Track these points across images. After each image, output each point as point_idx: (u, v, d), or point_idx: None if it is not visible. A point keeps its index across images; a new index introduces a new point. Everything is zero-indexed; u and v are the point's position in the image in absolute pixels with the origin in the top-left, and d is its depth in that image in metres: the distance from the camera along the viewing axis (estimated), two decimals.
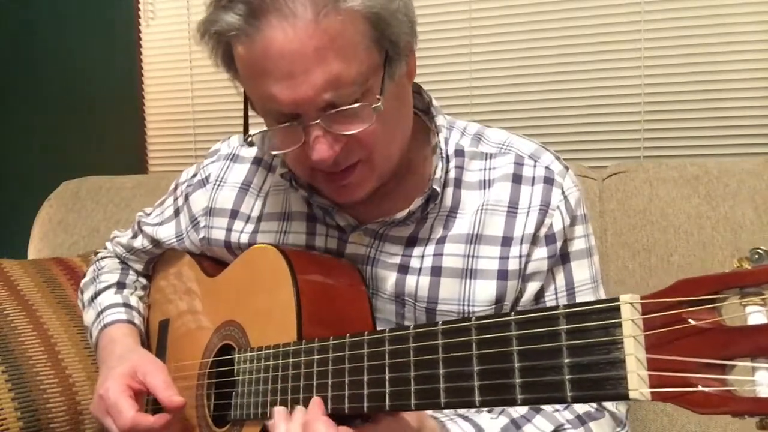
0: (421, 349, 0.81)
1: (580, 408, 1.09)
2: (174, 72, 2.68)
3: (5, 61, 2.87)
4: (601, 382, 0.61)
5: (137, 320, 1.41)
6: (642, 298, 0.60)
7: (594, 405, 1.10)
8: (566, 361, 0.65)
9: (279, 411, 0.98)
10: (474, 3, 2.28)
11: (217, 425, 1.20)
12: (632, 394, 0.58)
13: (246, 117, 1.10)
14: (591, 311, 0.63)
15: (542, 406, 1.07)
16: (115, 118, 2.75)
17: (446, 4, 2.30)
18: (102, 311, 1.40)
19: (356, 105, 1.00)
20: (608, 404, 1.11)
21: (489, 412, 1.07)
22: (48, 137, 2.85)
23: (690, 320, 0.56)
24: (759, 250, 0.53)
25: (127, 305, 1.42)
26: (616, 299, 0.62)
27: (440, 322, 0.80)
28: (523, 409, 1.07)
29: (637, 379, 0.58)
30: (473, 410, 1.10)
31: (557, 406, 1.08)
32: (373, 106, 1.00)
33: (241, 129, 1.09)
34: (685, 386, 0.55)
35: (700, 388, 0.55)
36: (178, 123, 2.69)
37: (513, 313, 0.71)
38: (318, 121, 1.00)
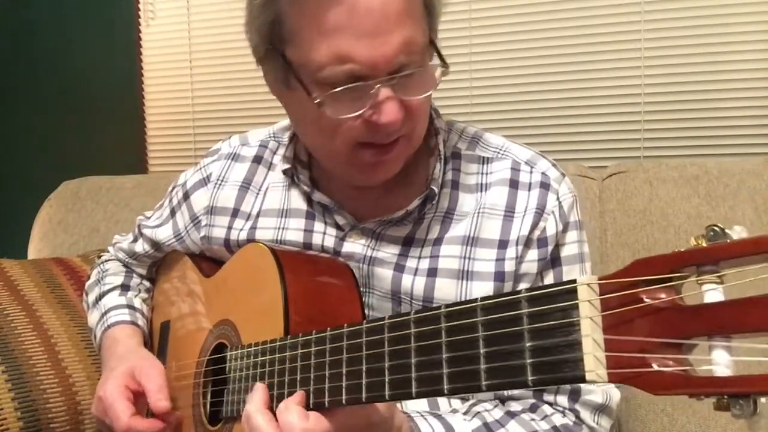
0: (395, 339, 0.80)
1: (558, 419, 1.09)
2: (174, 72, 2.68)
3: (5, 61, 2.88)
4: (559, 365, 0.61)
5: (141, 322, 1.42)
6: (599, 279, 0.59)
7: (572, 418, 1.10)
8: (528, 344, 0.64)
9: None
10: (474, 3, 2.27)
11: (212, 423, 1.20)
12: (589, 376, 0.57)
13: (302, 83, 1.07)
14: (551, 293, 0.63)
15: (518, 413, 1.07)
16: (115, 118, 2.75)
17: (446, 3, 2.27)
18: (106, 312, 1.41)
19: (422, 68, 1.03)
20: (588, 419, 1.11)
21: (464, 414, 1.07)
22: (48, 137, 2.86)
23: (647, 299, 0.55)
24: (715, 227, 0.52)
25: (131, 307, 1.42)
26: (574, 281, 0.61)
27: (413, 311, 0.79)
28: (497, 414, 1.07)
29: (594, 361, 0.57)
30: (449, 409, 1.10)
31: (533, 416, 1.08)
32: (441, 69, 1.05)
33: (241, 129, 1.08)
34: (642, 367, 0.54)
35: (656, 367, 0.54)
36: (178, 123, 2.69)
37: (479, 299, 0.70)
38: (394, 81, 1.01)
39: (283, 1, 1.02)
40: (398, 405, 1.01)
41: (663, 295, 0.55)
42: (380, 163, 1.09)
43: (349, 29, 0.98)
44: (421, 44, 1.02)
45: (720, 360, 0.51)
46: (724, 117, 2.07)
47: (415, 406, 1.12)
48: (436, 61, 1.08)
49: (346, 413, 0.89)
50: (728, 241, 0.52)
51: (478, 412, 1.06)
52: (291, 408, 0.89)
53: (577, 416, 1.10)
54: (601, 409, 1.12)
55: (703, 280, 0.53)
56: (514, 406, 1.11)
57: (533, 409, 1.10)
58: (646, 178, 1.80)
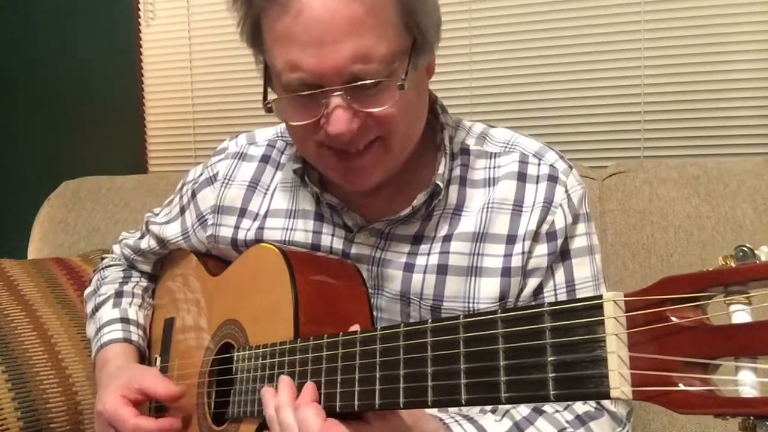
0: (410, 347, 0.81)
1: (580, 408, 1.09)
2: (174, 72, 2.67)
3: (5, 61, 2.87)
4: (583, 381, 0.61)
5: (134, 335, 1.41)
6: (625, 296, 0.59)
7: (593, 404, 1.10)
8: (550, 359, 0.64)
9: (266, 391, 0.98)
10: (474, 3, 2.27)
11: (216, 423, 1.20)
12: (614, 393, 0.58)
13: (265, 87, 1.10)
14: (575, 309, 0.63)
15: (544, 408, 1.07)
16: (115, 118, 2.74)
17: (446, 4, 2.28)
18: (100, 328, 1.41)
19: (381, 81, 1.01)
20: (607, 404, 1.11)
21: (493, 413, 1.06)
22: (48, 137, 2.85)
23: (673, 318, 0.56)
24: (744, 248, 0.52)
25: (124, 320, 1.42)
26: (600, 297, 0.61)
27: (429, 320, 0.79)
28: (525, 411, 1.06)
29: (619, 378, 0.58)
30: (477, 410, 1.09)
31: (557, 407, 1.08)
32: (398, 83, 1.01)
33: (241, 129, 1.08)
34: (667, 385, 0.54)
35: (681, 387, 0.54)
36: (178, 123, 2.69)
37: (500, 310, 0.71)
38: (341, 92, 1.00)
39: (257, 9, 1.04)
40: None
41: (690, 315, 0.55)
42: (350, 169, 1.09)
43: (296, 38, 0.99)
44: (385, 55, 1.00)
45: (746, 381, 0.52)
46: (724, 117, 2.07)
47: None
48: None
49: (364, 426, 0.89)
50: (757, 262, 0.52)
51: (507, 411, 1.06)
52: (306, 405, 0.90)
53: (597, 402, 1.11)
54: None
55: (730, 301, 0.53)
56: None
57: None
58: (646, 178, 1.80)
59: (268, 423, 0.96)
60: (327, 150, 1.07)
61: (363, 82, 1.00)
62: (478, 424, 1.02)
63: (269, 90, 1.12)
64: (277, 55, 1.02)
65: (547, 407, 1.07)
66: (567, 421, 1.06)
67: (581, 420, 1.07)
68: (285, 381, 0.96)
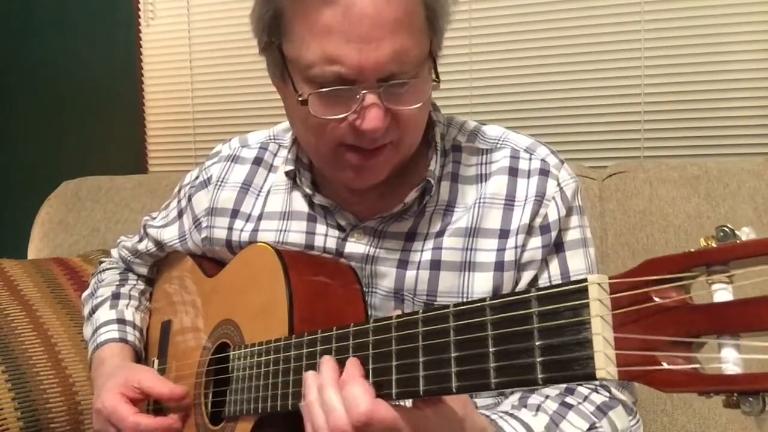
0: (402, 338, 0.81)
1: (597, 398, 1.08)
2: (174, 72, 2.68)
3: (5, 61, 2.88)
4: (569, 363, 0.61)
5: (130, 336, 1.42)
6: (610, 278, 0.60)
7: (606, 394, 1.09)
8: (537, 343, 0.65)
9: (309, 374, 0.92)
10: (474, 3, 2.28)
11: (213, 423, 1.20)
12: (599, 374, 0.58)
13: (291, 79, 1.07)
14: (561, 293, 0.63)
15: (568, 401, 1.06)
16: (115, 118, 2.75)
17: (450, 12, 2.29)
18: (97, 329, 1.41)
19: (409, 81, 1.02)
20: (617, 393, 1.10)
21: (526, 407, 1.05)
22: (48, 137, 2.86)
23: (657, 299, 0.56)
24: (725, 228, 0.53)
25: (120, 321, 1.42)
26: (585, 280, 0.62)
27: (420, 311, 0.80)
28: (554, 405, 1.05)
29: (604, 359, 0.58)
30: (508, 406, 1.07)
31: (578, 399, 1.07)
32: (432, 83, 1.05)
33: (241, 129, 1.06)
34: (652, 364, 0.55)
35: (665, 366, 0.54)
36: (178, 123, 2.69)
37: (488, 298, 0.71)
38: (379, 88, 1.01)
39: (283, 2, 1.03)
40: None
41: (673, 295, 0.55)
42: (364, 167, 1.09)
43: (340, 32, 0.98)
44: (416, 56, 1.02)
45: (729, 358, 0.52)
46: (724, 117, 2.07)
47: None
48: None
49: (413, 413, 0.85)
50: (738, 241, 0.52)
51: (538, 406, 1.05)
52: (354, 380, 0.85)
53: (609, 391, 1.10)
54: (623, 384, 1.12)
55: (712, 280, 0.54)
56: (553, 391, 1.09)
57: (570, 391, 1.09)
58: (646, 178, 1.80)
59: (306, 409, 0.88)
60: (345, 148, 1.08)
61: (396, 82, 1.01)
62: (523, 421, 1.00)
63: (284, 82, 1.11)
64: (312, 47, 1.01)
65: (570, 399, 1.07)
66: (591, 413, 1.06)
67: (601, 410, 1.07)
68: (327, 360, 0.90)
